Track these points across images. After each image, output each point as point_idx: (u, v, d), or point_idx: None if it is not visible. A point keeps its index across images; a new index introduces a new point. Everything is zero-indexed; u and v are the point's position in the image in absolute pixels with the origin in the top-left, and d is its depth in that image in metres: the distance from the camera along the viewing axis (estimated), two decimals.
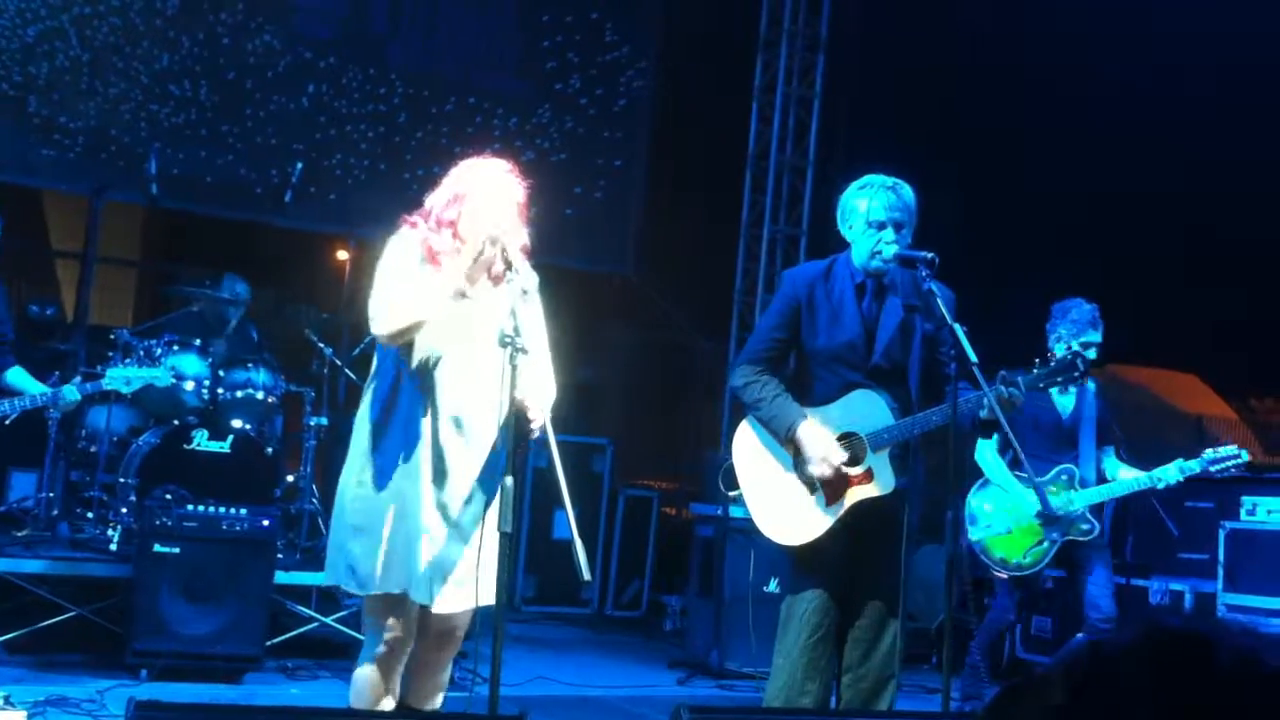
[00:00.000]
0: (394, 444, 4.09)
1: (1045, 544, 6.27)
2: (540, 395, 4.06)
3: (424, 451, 4.06)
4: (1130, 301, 9.69)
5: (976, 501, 6.46)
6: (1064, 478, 6.31)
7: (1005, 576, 6.40)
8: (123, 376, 6.49)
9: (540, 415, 4.01)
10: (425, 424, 4.07)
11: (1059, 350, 6.28)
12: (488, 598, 3.98)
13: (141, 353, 7.58)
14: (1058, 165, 10.48)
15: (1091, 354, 6.23)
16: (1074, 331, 6.30)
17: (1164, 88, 9.56)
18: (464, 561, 4.05)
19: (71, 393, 6.32)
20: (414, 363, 4.10)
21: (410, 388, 4.11)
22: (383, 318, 4.07)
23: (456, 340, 4.10)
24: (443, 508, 4.05)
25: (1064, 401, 6.48)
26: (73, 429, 8.14)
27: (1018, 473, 6.30)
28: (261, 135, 9.68)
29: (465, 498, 4.08)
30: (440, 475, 4.06)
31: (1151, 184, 9.92)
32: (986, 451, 6.43)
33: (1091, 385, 6.45)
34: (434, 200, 4.22)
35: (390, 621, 4.11)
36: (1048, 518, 6.18)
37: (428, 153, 9.64)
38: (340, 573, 4.14)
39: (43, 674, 6.48)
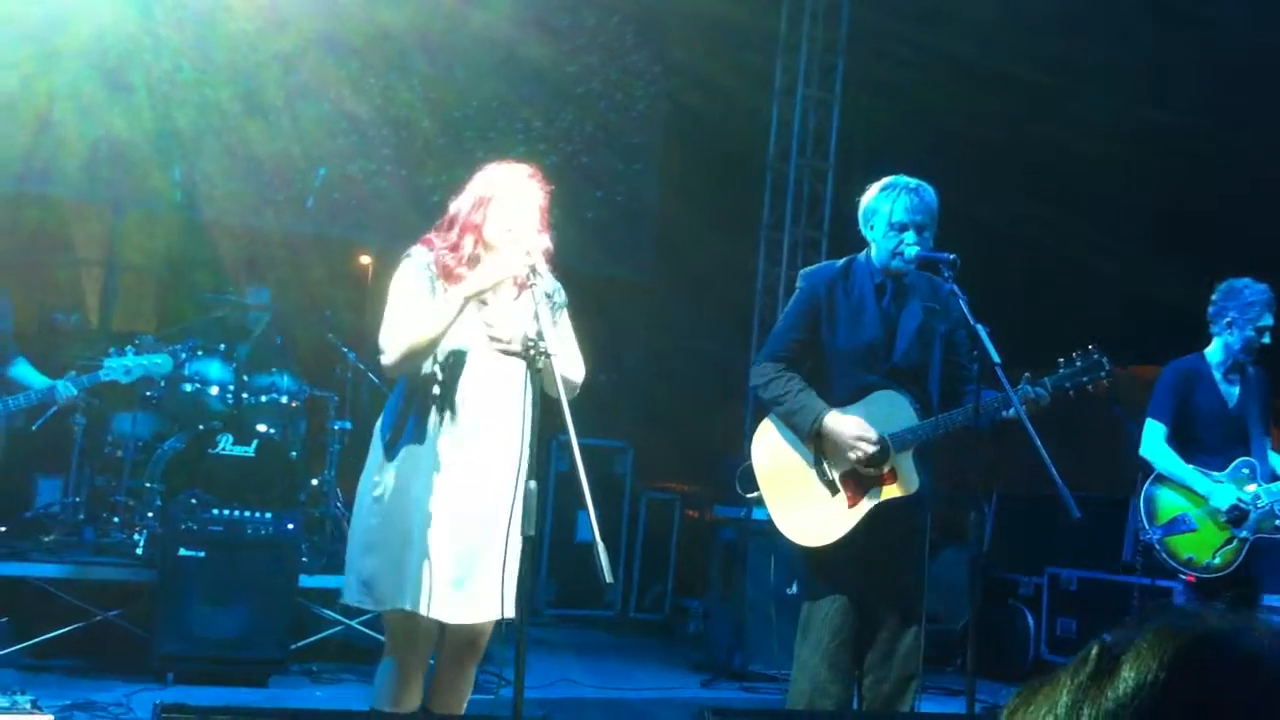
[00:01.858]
0: (406, 457, 4.07)
1: (1235, 542, 5.74)
2: (571, 372, 4.09)
3: (438, 463, 4.05)
4: (1148, 303, 9.67)
5: (1155, 496, 5.95)
6: (1245, 471, 5.82)
7: (1194, 580, 5.84)
8: (121, 366, 6.36)
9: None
10: (439, 435, 4.06)
11: (1226, 336, 5.90)
12: (508, 610, 3.97)
13: (165, 355, 7.62)
14: (1080, 167, 10.45)
15: (1267, 339, 5.84)
16: (1249, 315, 5.82)
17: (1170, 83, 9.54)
18: (481, 572, 4.03)
19: (66, 388, 6.19)
20: (424, 372, 4.12)
21: (424, 399, 4.11)
22: (388, 348, 4.09)
23: (472, 348, 4.11)
24: (458, 519, 4.03)
25: (1230, 390, 5.95)
26: (98, 434, 8.18)
27: (1199, 468, 5.86)
28: (283, 141, 9.71)
29: (481, 508, 4.06)
30: (455, 486, 4.05)
31: (1165, 184, 9.90)
32: (1157, 443, 5.93)
33: (1252, 370, 5.98)
34: (458, 205, 4.23)
35: (408, 636, 4.12)
36: (1240, 514, 5.73)
37: (450, 158, 9.66)
38: (355, 590, 4.14)
39: (69, 678, 6.52)
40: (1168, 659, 0.87)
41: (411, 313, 4.07)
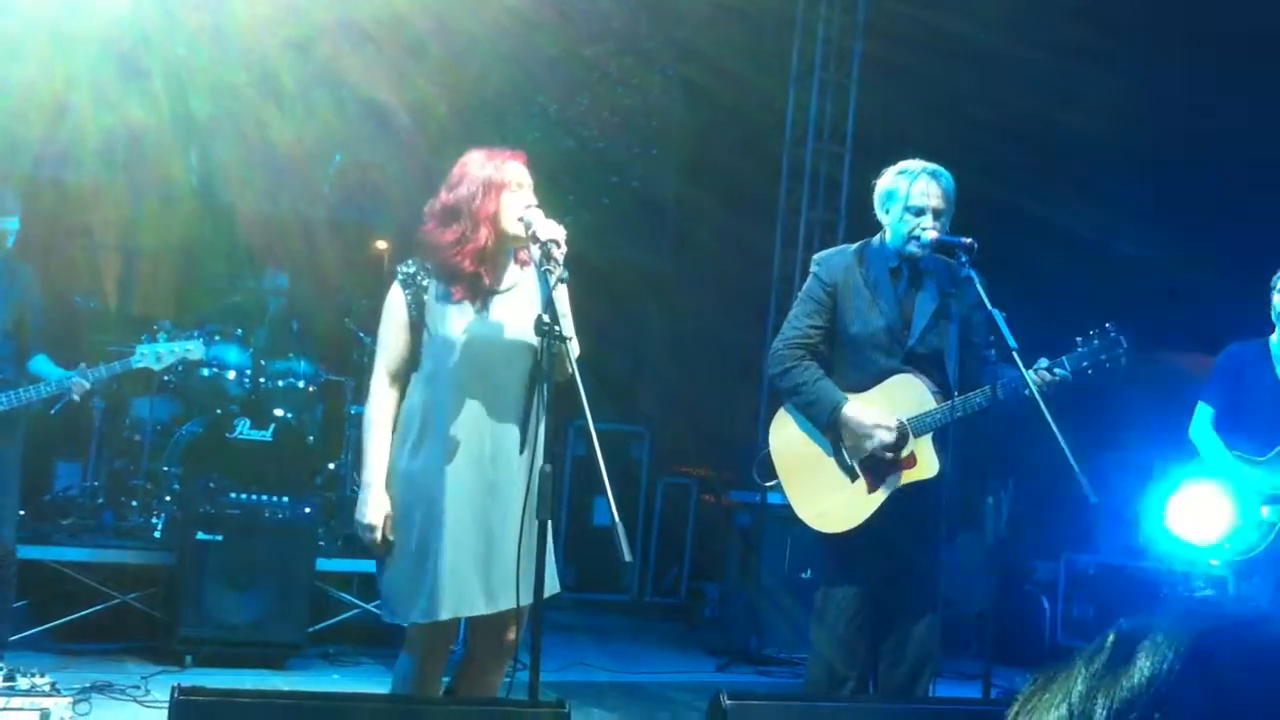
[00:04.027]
0: (415, 454, 4.07)
1: (1263, 527, 5.63)
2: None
3: (446, 458, 4.04)
4: (1167, 288, 9.63)
5: (1184, 481, 5.94)
6: None
7: (1216, 563, 5.84)
8: (154, 352, 6.31)
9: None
10: (445, 429, 4.04)
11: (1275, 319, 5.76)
12: (525, 597, 3.95)
13: (183, 339, 7.63)
14: (1098, 151, 10.40)
15: None
16: None
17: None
18: (498, 563, 4.03)
19: (78, 382, 5.99)
20: (424, 369, 4.13)
21: (426, 395, 4.11)
22: (373, 380, 4.19)
23: (474, 339, 4.10)
24: (471, 511, 4.02)
25: None
26: (116, 418, 8.22)
27: (1239, 452, 5.75)
28: (299, 127, 9.72)
29: (495, 494, 4.06)
30: (465, 478, 4.03)
31: (1186, 169, 9.84)
32: (1203, 426, 5.85)
33: None
34: (458, 194, 4.17)
35: (424, 644, 4.14)
36: (1273, 498, 5.61)
37: (465, 144, 9.62)
38: (381, 602, 4.24)
39: (88, 660, 6.56)
40: (1183, 649, 0.86)
41: (393, 348, 4.15)
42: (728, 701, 3.68)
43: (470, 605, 4.03)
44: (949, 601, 4.94)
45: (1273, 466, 5.70)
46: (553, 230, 4.00)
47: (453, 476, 4.02)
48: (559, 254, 3.93)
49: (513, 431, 4.10)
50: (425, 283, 4.13)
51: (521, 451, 4.09)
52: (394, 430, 4.15)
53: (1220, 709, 0.84)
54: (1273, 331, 5.85)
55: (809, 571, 7.76)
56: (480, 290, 4.13)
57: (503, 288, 4.19)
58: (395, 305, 4.17)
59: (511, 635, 4.19)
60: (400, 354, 4.15)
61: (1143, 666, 0.87)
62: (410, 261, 4.20)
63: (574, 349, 3.95)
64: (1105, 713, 0.87)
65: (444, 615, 4.00)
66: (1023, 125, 10.23)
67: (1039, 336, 4.67)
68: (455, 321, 4.08)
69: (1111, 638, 0.91)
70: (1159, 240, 9.55)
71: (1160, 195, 10.02)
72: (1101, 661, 0.89)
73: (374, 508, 4.02)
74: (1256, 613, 0.89)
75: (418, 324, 4.13)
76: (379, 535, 4.02)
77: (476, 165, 4.21)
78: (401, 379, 4.16)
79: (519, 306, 4.14)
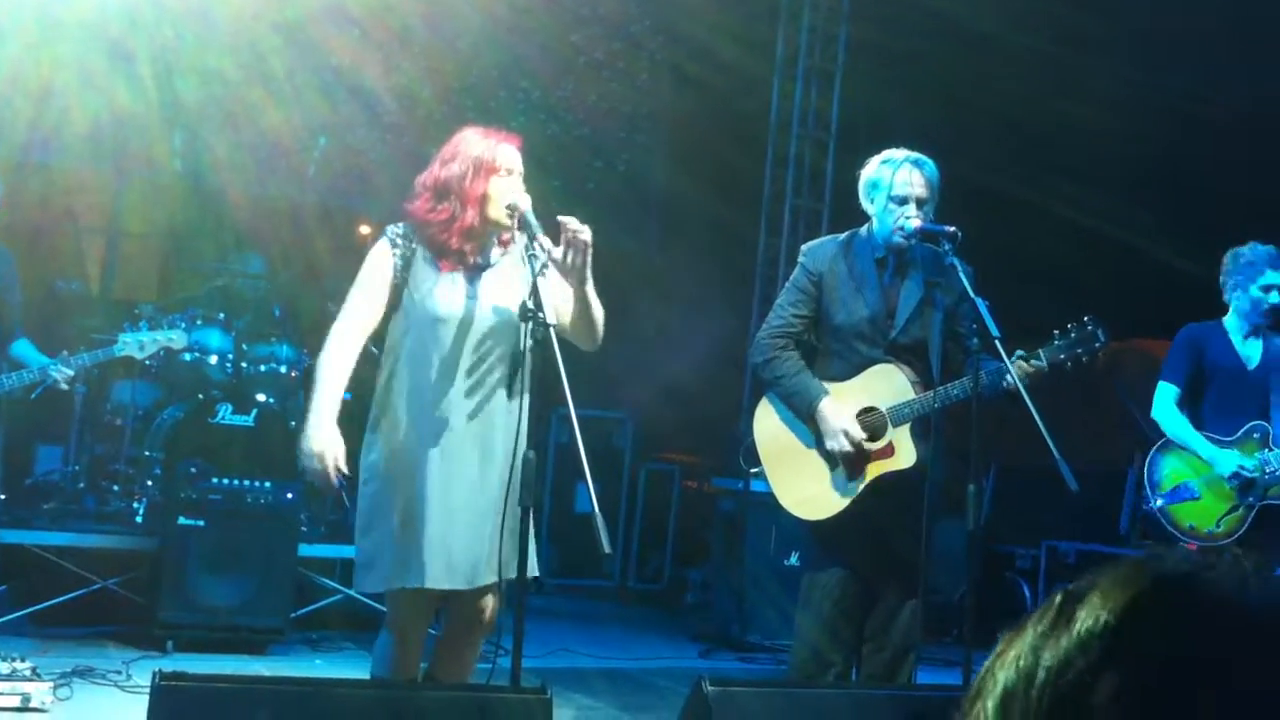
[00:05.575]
0: (397, 430, 4.07)
1: (1240, 510, 5.60)
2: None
3: (428, 433, 4.04)
4: (1154, 274, 9.65)
5: (1159, 463, 5.82)
6: (1256, 436, 5.66)
7: (1195, 548, 5.62)
8: (136, 341, 6.29)
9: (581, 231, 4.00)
10: (428, 404, 4.05)
11: (1236, 301, 5.79)
12: (510, 571, 3.98)
13: (165, 325, 7.62)
14: (1085, 138, 10.40)
15: (1274, 297, 5.69)
16: (1250, 275, 5.72)
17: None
18: (480, 538, 4.03)
19: (59, 369, 6.05)
20: (406, 345, 4.12)
21: (408, 372, 4.11)
22: (334, 328, 4.18)
23: (458, 316, 4.10)
24: (453, 488, 4.02)
25: (1249, 350, 5.80)
26: (98, 403, 8.19)
27: (1206, 433, 5.72)
28: (285, 111, 9.68)
29: (476, 473, 4.06)
30: (447, 454, 4.03)
31: (1173, 155, 9.86)
32: (1167, 406, 5.81)
33: (1277, 341, 5.81)
34: (449, 170, 4.16)
35: (407, 610, 4.13)
36: (1244, 482, 5.59)
37: (451, 128, 9.59)
38: (359, 575, 4.17)
39: (69, 645, 6.54)
40: (1119, 605, 0.86)
41: (369, 300, 4.15)
42: (710, 688, 3.69)
43: (452, 579, 4.02)
44: (930, 588, 4.94)
45: (1242, 446, 5.68)
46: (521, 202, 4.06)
47: (436, 452, 4.02)
48: (544, 241, 3.96)
49: (495, 410, 4.10)
50: (414, 247, 4.13)
51: (502, 430, 4.09)
52: (370, 402, 4.17)
53: (1155, 665, 0.84)
54: (1225, 314, 5.87)
55: (795, 557, 7.77)
56: (466, 266, 4.13)
57: (488, 266, 4.20)
58: (381, 261, 4.17)
59: (487, 614, 4.20)
60: (376, 309, 4.17)
61: (1081, 626, 0.86)
62: (401, 225, 4.20)
63: (555, 334, 3.95)
64: (1045, 673, 0.87)
65: (430, 583, 3.98)
66: (1010, 111, 10.23)
67: (1025, 325, 4.69)
68: (441, 295, 4.08)
69: (1059, 597, 0.91)
70: (1150, 225, 9.56)
71: (1153, 180, 10.03)
72: (1048, 621, 0.90)
73: (323, 437, 4.01)
74: (1197, 565, 0.89)
75: (399, 285, 4.14)
76: (328, 465, 3.99)
77: (470, 144, 4.22)
78: (367, 334, 4.19)
79: (502, 286, 4.15)
